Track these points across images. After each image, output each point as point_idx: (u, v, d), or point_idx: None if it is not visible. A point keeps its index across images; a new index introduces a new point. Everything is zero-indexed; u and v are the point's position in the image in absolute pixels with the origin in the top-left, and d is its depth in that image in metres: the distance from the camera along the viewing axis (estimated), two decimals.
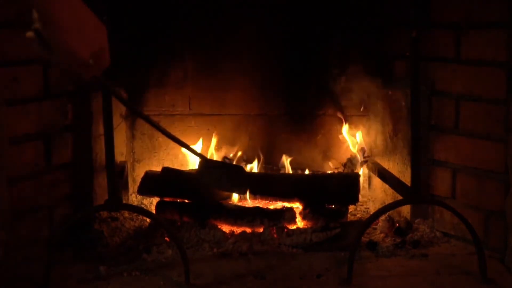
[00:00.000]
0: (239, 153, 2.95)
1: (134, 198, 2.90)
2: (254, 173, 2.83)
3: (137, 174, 2.94)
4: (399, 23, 2.64)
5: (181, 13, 2.91)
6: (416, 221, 2.55)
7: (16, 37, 2.14)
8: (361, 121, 2.93)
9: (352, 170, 2.82)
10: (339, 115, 2.93)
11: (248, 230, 2.49)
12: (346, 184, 2.61)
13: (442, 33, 2.46)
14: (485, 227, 2.33)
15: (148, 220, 2.62)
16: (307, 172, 2.89)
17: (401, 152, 2.61)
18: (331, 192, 2.58)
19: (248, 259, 2.30)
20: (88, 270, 2.21)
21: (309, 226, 2.51)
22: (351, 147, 2.89)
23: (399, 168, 2.61)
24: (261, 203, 2.66)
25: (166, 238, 2.40)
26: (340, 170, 2.89)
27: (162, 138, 2.98)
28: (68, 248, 2.36)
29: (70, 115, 2.47)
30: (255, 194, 2.62)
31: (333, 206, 2.59)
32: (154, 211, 2.62)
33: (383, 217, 2.52)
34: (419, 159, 2.20)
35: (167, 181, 2.65)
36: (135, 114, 2.91)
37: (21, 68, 2.23)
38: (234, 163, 2.84)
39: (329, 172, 2.88)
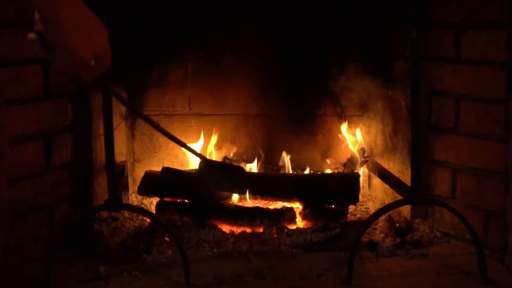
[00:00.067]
0: (236, 151, 2.95)
1: (134, 198, 2.90)
2: (254, 173, 2.83)
3: (137, 174, 2.94)
4: (399, 23, 2.64)
5: (181, 13, 2.91)
6: (416, 221, 2.55)
7: (16, 37, 2.15)
8: (361, 121, 2.93)
9: (352, 170, 2.81)
10: (339, 111, 2.93)
11: (248, 230, 2.49)
12: (346, 184, 2.61)
13: (442, 33, 2.46)
14: (485, 227, 2.33)
15: (148, 220, 2.62)
16: (307, 172, 2.89)
17: (401, 152, 2.61)
18: (331, 192, 2.58)
19: (248, 259, 2.30)
20: (88, 270, 2.21)
21: (309, 226, 2.51)
22: (351, 147, 2.89)
23: (399, 168, 2.61)
24: (261, 203, 2.65)
25: (166, 238, 2.40)
26: (340, 170, 2.89)
27: (162, 138, 2.98)
28: (68, 248, 2.36)
29: (70, 115, 2.47)
30: (255, 194, 2.62)
31: (333, 206, 2.59)
32: (154, 211, 2.62)
33: (383, 217, 2.52)
34: (419, 159, 2.20)
35: (167, 181, 2.64)
36: (135, 114, 2.91)
37: (21, 68, 2.23)
38: (234, 163, 2.84)
39: (329, 172, 2.88)
